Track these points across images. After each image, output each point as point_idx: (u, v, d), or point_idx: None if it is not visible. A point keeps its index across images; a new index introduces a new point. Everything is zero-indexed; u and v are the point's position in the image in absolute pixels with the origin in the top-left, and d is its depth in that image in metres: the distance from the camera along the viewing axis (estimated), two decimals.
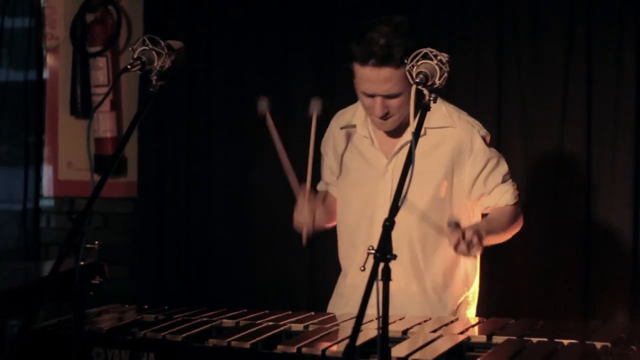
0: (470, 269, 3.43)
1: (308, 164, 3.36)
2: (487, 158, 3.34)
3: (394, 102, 3.21)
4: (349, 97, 3.47)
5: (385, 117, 3.24)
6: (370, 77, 3.16)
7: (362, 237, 3.34)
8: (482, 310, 3.50)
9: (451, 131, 3.33)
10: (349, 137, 3.47)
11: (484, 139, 3.35)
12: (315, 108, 3.39)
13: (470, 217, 3.40)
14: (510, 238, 3.43)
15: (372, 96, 3.21)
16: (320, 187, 3.66)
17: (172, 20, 5.34)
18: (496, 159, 3.37)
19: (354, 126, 3.44)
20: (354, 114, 3.46)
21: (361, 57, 3.16)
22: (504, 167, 3.39)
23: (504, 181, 3.37)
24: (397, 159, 3.32)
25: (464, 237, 3.06)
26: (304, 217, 3.40)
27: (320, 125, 3.44)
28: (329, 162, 3.58)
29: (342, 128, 3.50)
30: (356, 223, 3.40)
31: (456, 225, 3.07)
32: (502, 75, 4.81)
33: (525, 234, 4.63)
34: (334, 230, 3.58)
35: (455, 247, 3.08)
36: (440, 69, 2.75)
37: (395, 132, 3.34)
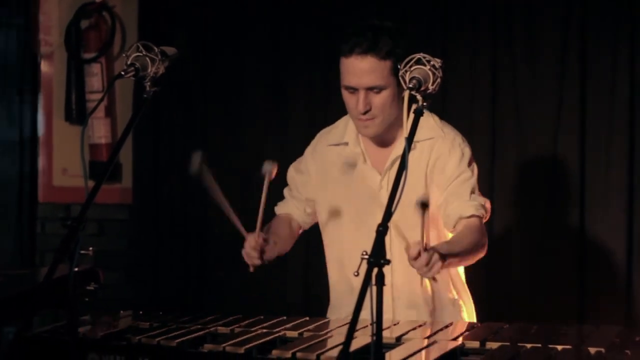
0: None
1: (258, 215, 3.25)
2: (460, 171, 3.27)
3: (377, 99, 3.16)
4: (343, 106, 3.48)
5: (367, 113, 3.17)
6: (354, 68, 3.12)
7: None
8: (476, 315, 3.51)
9: (437, 141, 3.29)
10: (338, 156, 3.40)
11: (462, 152, 3.29)
12: (267, 170, 3.19)
13: (441, 232, 3.34)
14: (480, 257, 3.24)
15: (355, 90, 3.16)
16: (283, 208, 3.57)
17: (167, 26, 5.34)
18: (469, 173, 3.28)
19: (346, 144, 3.38)
20: (344, 131, 3.40)
21: (346, 50, 3.14)
22: (472, 183, 3.28)
23: (472, 192, 3.26)
24: (390, 175, 3.27)
25: (424, 251, 2.88)
26: (251, 259, 3.31)
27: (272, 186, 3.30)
28: (312, 179, 3.48)
29: (330, 145, 3.43)
30: (352, 241, 3.32)
31: (423, 204, 2.85)
32: (496, 81, 4.81)
33: (519, 239, 4.68)
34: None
35: (414, 259, 2.90)
36: (434, 74, 2.74)
37: (386, 146, 3.30)
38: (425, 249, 2.86)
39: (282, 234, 3.48)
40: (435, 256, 2.88)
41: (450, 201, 3.25)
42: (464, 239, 3.17)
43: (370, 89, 3.15)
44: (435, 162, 3.29)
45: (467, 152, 3.31)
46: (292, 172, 3.55)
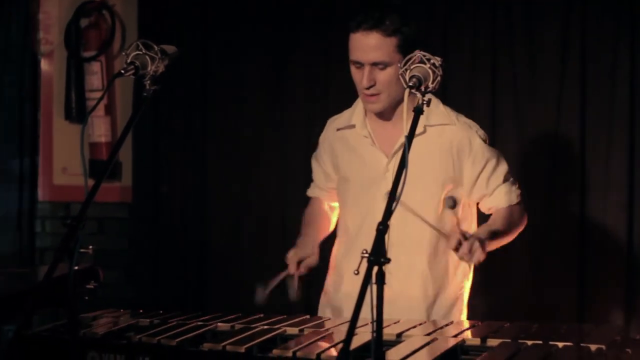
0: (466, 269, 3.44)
1: None
2: (487, 158, 3.35)
3: (382, 75, 3.22)
4: (343, 100, 3.47)
5: (372, 89, 3.23)
6: (360, 43, 3.20)
7: (365, 240, 3.27)
8: (477, 313, 3.50)
9: (451, 129, 3.32)
10: (345, 140, 3.45)
11: (481, 138, 3.35)
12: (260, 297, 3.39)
13: (470, 218, 3.41)
14: (519, 230, 3.50)
15: (361, 65, 3.22)
16: (311, 192, 3.67)
17: (166, 25, 5.34)
18: (495, 158, 3.37)
19: (353, 126, 3.42)
20: (352, 114, 3.45)
21: (354, 25, 3.22)
22: (504, 167, 3.40)
23: (505, 180, 3.38)
24: (397, 158, 3.24)
25: (464, 240, 3.06)
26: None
27: None
28: (325, 168, 3.56)
29: (339, 129, 3.48)
30: (359, 226, 3.37)
31: (454, 201, 3.06)
32: (496, 81, 4.81)
33: (519, 238, 4.65)
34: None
35: (456, 250, 3.08)
36: (434, 72, 2.75)
37: (394, 129, 3.31)
38: (465, 237, 3.04)
39: (319, 223, 3.59)
40: (476, 243, 3.05)
41: (486, 194, 3.37)
42: (499, 219, 3.36)
43: (375, 64, 3.21)
44: (455, 151, 3.32)
45: (484, 137, 3.38)
46: (312, 161, 3.66)
